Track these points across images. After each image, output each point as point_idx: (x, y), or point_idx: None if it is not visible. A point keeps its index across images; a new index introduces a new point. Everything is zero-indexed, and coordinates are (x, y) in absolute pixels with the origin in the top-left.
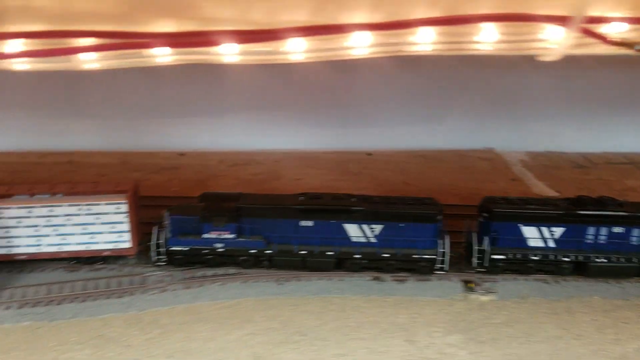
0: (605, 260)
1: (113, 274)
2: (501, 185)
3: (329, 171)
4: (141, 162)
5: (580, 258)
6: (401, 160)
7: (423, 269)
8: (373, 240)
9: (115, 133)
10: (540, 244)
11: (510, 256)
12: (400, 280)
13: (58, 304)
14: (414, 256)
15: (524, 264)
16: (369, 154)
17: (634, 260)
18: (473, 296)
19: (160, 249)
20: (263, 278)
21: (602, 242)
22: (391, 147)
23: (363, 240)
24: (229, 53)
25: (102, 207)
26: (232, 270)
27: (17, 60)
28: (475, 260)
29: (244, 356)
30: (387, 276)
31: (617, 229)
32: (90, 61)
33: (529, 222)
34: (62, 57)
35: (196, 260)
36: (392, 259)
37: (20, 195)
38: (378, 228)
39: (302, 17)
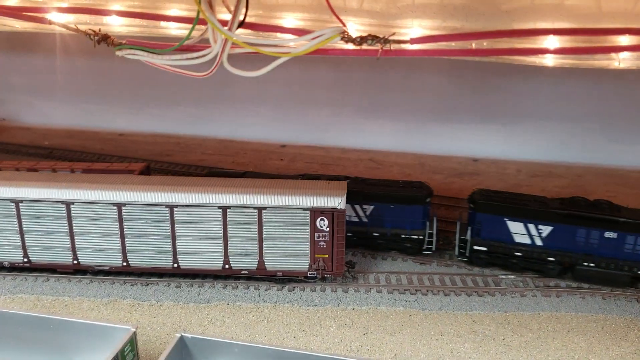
0: (593, 265)
1: (464, 271)
2: None
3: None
4: (437, 165)
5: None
6: None
7: (410, 249)
8: (364, 219)
9: (410, 135)
10: (527, 240)
11: (492, 249)
12: None
13: (424, 294)
14: (402, 236)
15: (508, 259)
16: None
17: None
18: None
19: None
20: (621, 295)
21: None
22: None
23: (355, 219)
24: None
25: None
26: (585, 285)
27: (548, 56)
28: (457, 249)
29: None
30: None
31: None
32: (622, 60)
33: (515, 217)
34: (591, 56)
35: None
36: (382, 239)
37: None
38: (369, 208)
39: None
